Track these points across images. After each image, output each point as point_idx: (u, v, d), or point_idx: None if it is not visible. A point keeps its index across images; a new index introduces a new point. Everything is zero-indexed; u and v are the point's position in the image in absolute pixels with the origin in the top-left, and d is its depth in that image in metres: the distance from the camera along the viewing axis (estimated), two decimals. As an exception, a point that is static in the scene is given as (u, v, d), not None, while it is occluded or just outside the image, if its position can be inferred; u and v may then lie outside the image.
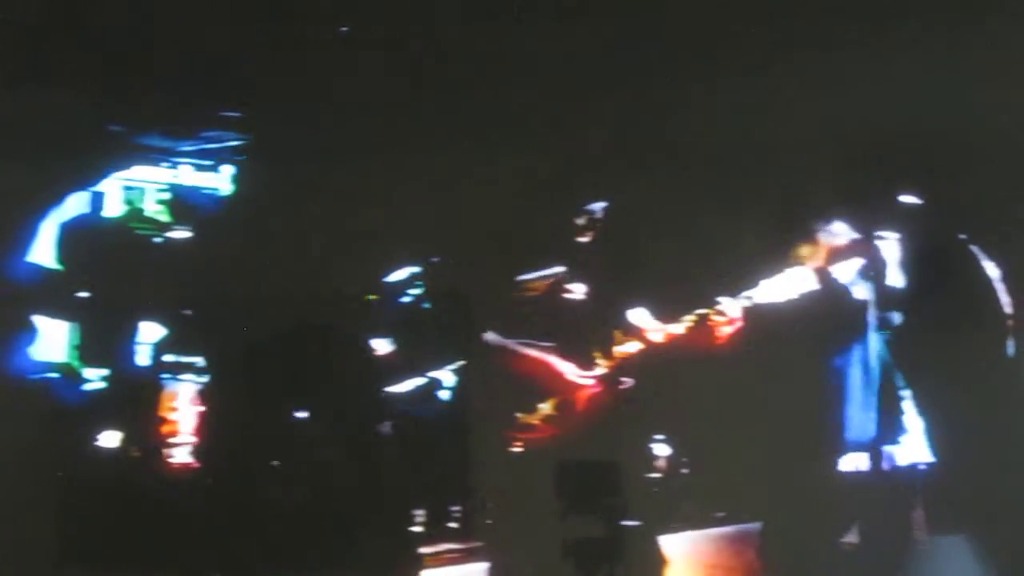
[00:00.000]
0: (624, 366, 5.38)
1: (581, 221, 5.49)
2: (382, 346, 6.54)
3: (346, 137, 6.14)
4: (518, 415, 5.42)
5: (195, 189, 6.62)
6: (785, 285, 5.55)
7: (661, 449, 7.28)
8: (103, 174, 6.46)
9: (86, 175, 6.38)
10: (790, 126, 6.00)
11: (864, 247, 5.87)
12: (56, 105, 6.01)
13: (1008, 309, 5.98)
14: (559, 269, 5.45)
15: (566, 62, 5.83)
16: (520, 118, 5.84)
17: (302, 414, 6.05)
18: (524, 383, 5.44)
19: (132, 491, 6.16)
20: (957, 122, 5.98)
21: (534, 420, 5.40)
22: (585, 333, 5.43)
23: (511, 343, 5.43)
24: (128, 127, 6.41)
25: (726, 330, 5.40)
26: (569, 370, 5.37)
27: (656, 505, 6.20)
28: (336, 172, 6.13)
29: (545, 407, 5.40)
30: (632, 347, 5.28)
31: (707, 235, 5.87)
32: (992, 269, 5.99)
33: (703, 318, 5.43)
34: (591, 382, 5.36)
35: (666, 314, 5.48)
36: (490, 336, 5.46)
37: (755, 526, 6.94)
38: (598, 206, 5.51)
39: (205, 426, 6.31)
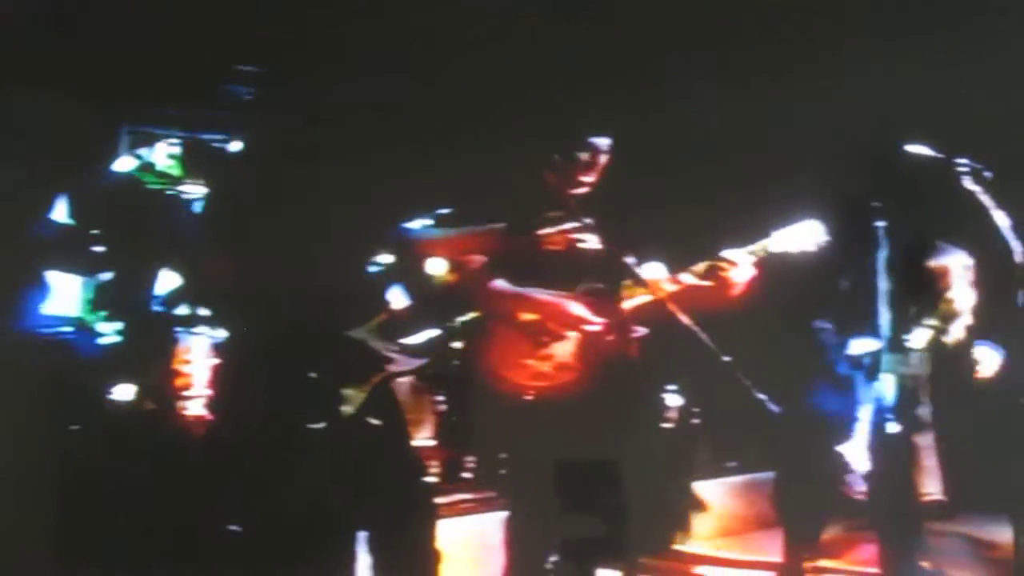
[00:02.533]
0: (637, 315, 5.38)
1: (585, 157, 5.47)
2: (396, 297, 6.56)
3: (357, 95, 6.15)
4: (528, 363, 5.43)
5: (207, 142, 6.62)
6: (797, 236, 5.55)
7: (673, 399, 7.33)
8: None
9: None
10: (802, 78, 6.00)
11: (873, 197, 5.87)
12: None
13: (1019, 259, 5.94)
14: (575, 223, 5.44)
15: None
16: (521, 54, 5.87)
17: (316, 365, 6.05)
18: (534, 332, 5.45)
19: (146, 443, 6.19)
20: (971, 70, 5.97)
21: (544, 369, 5.41)
22: (597, 282, 5.43)
23: (522, 291, 5.43)
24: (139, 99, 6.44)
25: (738, 280, 5.40)
26: (581, 319, 5.37)
27: (670, 455, 6.24)
28: (349, 127, 6.13)
29: (555, 356, 5.41)
30: (644, 296, 5.28)
31: (718, 183, 5.89)
32: (1003, 219, 5.96)
33: (714, 267, 5.43)
34: (602, 330, 5.37)
35: (677, 263, 5.49)
36: (500, 284, 5.46)
37: (768, 475, 6.99)
38: (602, 142, 5.48)
39: (220, 379, 6.33)
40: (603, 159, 5.47)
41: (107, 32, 6.20)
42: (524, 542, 5.59)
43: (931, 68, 5.95)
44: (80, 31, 6.17)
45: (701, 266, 5.45)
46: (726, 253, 5.45)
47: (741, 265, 5.42)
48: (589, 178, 5.47)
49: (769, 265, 5.46)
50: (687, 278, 5.42)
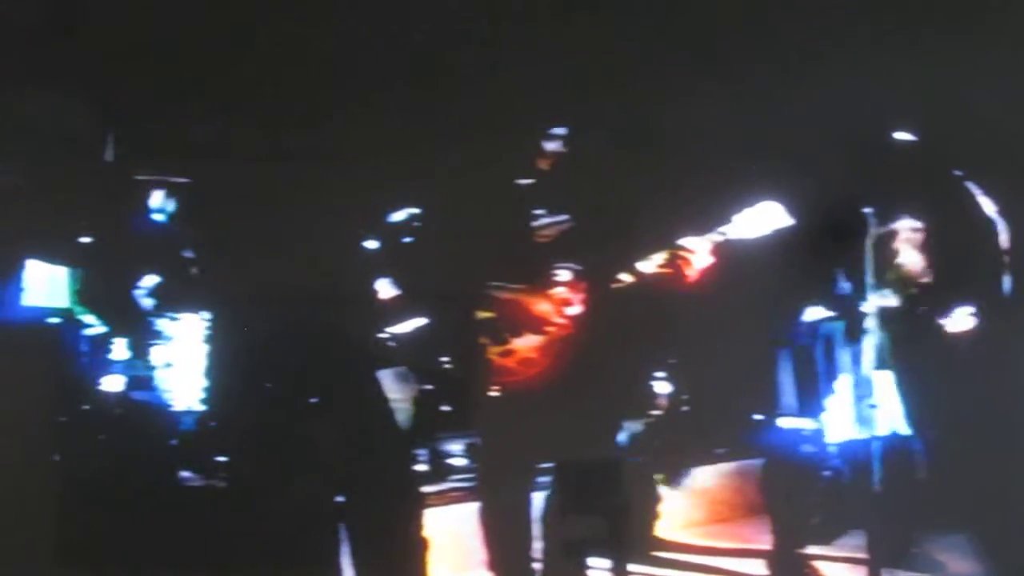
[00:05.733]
0: (600, 306, 5.44)
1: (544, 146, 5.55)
2: (384, 288, 6.57)
3: (340, 87, 6.20)
4: (495, 356, 5.50)
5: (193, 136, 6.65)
6: (756, 219, 5.59)
7: (660, 386, 7.34)
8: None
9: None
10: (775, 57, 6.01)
11: (853, 184, 5.89)
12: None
13: (1006, 245, 5.95)
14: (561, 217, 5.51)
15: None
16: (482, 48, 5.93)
17: (304, 354, 6.07)
18: (502, 325, 5.50)
19: (135, 436, 6.23)
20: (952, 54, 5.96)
21: (510, 362, 5.47)
22: (562, 273, 5.49)
23: (492, 286, 5.49)
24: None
25: (696, 267, 5.46)
26: (543, 316, 5.42)
27: (653, 441, 6.26)
28: (328, 119, 6.18)
29: (522, 348, 5.47)
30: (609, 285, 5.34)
31: (680, 170, 5.90)
32: (989, 205, 5.96)
33: (675, 255, 5.48)
34: (566, 322, 5.42)
35: (638, 252, 5.54)
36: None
37: (756, 461, 6.98)
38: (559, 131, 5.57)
39: (209, 368, 6.37)
40: (559, 148, 5.54)
41: (96, 28, 6.24)
42: (500, 533, 5.64)
43: (906, 52, 5.94)
44: (68, 28, 6.21)
45: (660, 255, 5.49)
46: (684, 241, 5.50)
47: (699, 253, 5.46)
48: (546, 167, 5.54)
49: (730, 250, 5.49)
50: (647, 267, 5.46)
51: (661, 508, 6.25)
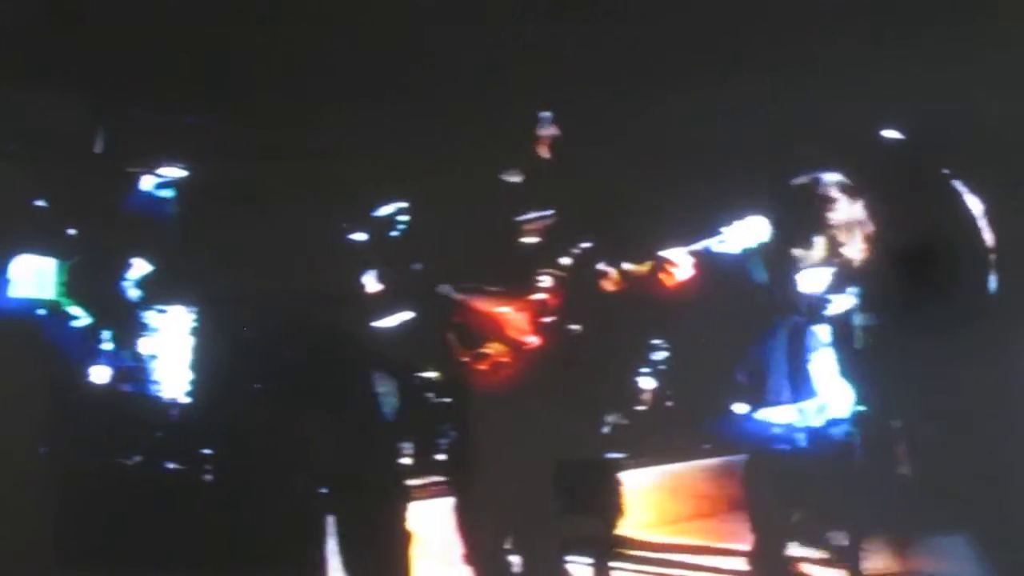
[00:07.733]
0: (575, 310, 5.46)
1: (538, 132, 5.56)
2: (370, 282, 6.59)
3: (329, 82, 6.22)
4: (480, 353, 5.53)
5: (186, 124, 6.66)
6: (742, 232, 5.59)
7: (646, 382, 7.36)
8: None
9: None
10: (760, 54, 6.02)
11: (840, 186, 5.89)
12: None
13: (991, 244, 5.96)
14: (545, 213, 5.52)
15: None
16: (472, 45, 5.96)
17: (290, 348, 6.09)
18: (488, 321, 5.53)
19: (121, 427, 6.25)
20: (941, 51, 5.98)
21: (495, 359, 5.49)
22: (545, 276, 5.50)
23: (467, 287, 5.51)
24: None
25: (678, 278, 5.46)
26: (528, 310, 5.45)
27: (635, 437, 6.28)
28: (318, 112, 6.19)
29: (509, 345, 5.49)
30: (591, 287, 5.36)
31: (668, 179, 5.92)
32: (976, 204, 5.97)
33: (659, 263, 5.49)
34: (550, 321, 5.45)
35: (619, 257, 5.55)
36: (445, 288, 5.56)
37: (740, 457, 7.01)
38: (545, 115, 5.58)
39: (195, 360, 6.38)
40: (549, 147, 5.56)
41: (90, 22, 6.26)
42: (474, 528, 5.67)
43: (890, 56, 5.96)
44: (62, 22, 6.24)
45: (643, 265, 5.51)
46: (666, 253, 5.53)
47: (681, 264, 5.49)
48: (535, 165, 5.57)
49: (712, 262, 5.52)
50: (630, 267, 5.50)
51: (642, 505, 6.26)
